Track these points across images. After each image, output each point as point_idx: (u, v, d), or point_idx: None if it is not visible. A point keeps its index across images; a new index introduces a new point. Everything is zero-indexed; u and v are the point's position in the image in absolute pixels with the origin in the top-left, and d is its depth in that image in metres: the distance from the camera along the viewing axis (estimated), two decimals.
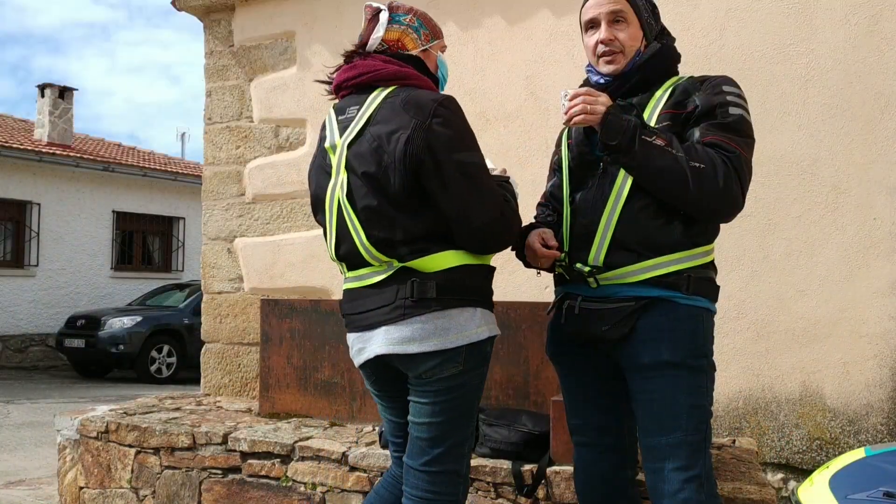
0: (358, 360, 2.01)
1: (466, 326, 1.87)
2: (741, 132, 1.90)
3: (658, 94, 1.99)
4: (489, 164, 2.06)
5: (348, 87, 2.01)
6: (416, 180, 1.85)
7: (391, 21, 2.00)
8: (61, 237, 14.15)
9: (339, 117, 2.00)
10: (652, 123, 1.94)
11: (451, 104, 1.91)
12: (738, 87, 1.97)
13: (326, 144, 2.01)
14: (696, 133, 1.91)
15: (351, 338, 2.02)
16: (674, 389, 1.88)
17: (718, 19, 3.60)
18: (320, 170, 2.03)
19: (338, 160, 1.95)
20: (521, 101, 4.00)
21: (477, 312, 1.90)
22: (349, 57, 2.04)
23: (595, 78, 2.08)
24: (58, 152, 14.11)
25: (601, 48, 2.02)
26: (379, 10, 2.02)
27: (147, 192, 15.54)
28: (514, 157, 3.95)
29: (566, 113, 1.94)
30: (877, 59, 3.34)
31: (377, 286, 1.92)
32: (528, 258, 2.11)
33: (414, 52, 2.02)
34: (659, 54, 2.03)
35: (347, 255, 1.97)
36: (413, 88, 1.94)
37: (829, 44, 3.41)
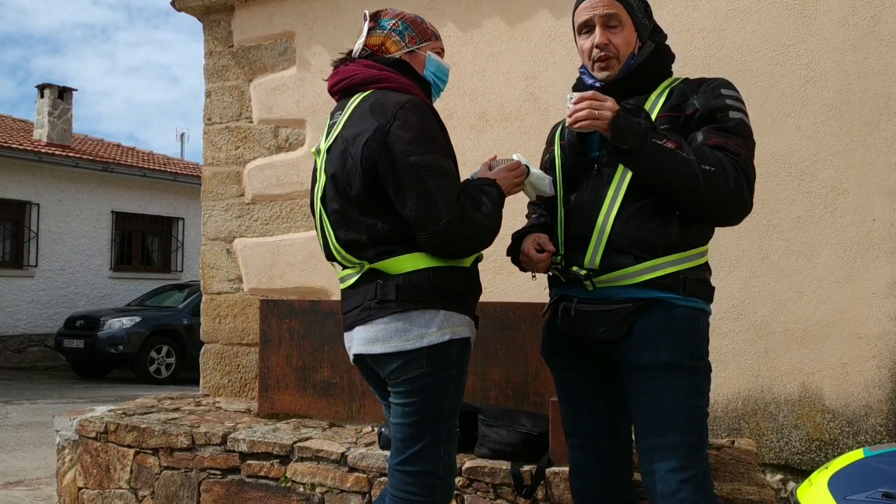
0: (351, 358, 2.09)
1: (426, 328, 1.89)
2: (743, 135, 1.92)
3: (654, 96, 1.99)
4: (516, 158, 2.09)
5: (336, 93, 2.09)
6: (376, 182, 1.89)
7: (376, 27, 2.07)
8: (60, 237, 14.15)
9: (330, 122, 2.08)
10: None
11: (414, 107, 1.91)
12: (735, 89, 1.98)
13: (313, 150, 2.10)
14: (699, 137, 1.91)
15: (344, 337, 2.10)
16: (672, 390, 1.88)
17: (718, 20, 3.61)
18: (313, 174, 2.12)
19: (321, 164, 2.04)
20: (520, 101, 4.00)
21: (439, 314, 1.90)
22: (337, 64, 2.11)
23: (590, 81, 2.07)
24: (57, 153, 14.10)
25: (596, 53, 2.00)
26: (365, 21, 2.10)
27: (146, 193, 15.53)
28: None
29: (570, 116, 1.92)
30: (876, 60, 3.34)
31: (354, 287, 1.99)
32: (523, 263, 2.11)
33: (397, 55, 2.05)
34: (653, 56, 2.03)
35: (330, 257, 2.08)
36: (387, 91, 1.96)
37: (829, 45, 3.41)
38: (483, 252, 2.04)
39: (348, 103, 2.01)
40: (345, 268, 2.04)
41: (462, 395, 2.02)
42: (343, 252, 1.99)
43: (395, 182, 1.86)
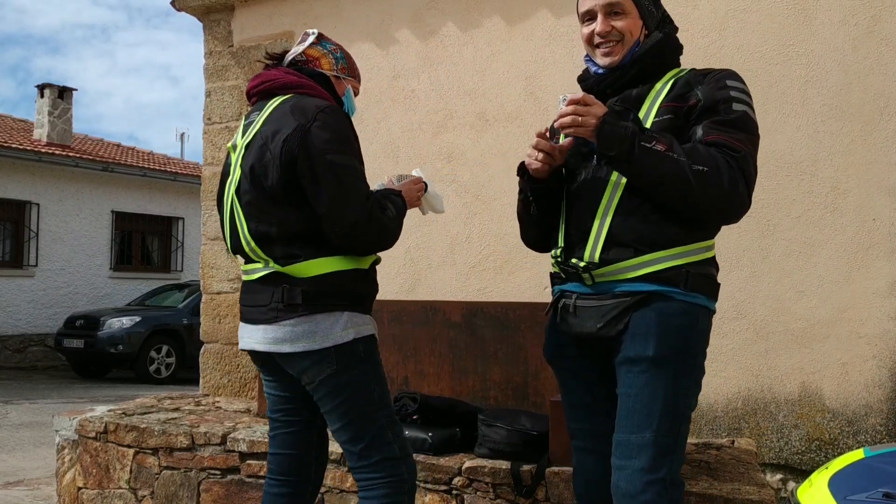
0: (241, 347, 2.20)
1: (331, 330, 2.02)
2: (745, 129, 1.84)
3: (658, 86, 1.94)
4: (416, 174, 2.29)
5: (255, 95, 2.22)
6: (293, 177, 2.01)
7: (318, 43, 2.24)
8: (60, 237, 14.15)
9: (246, 121, 2.20)
10: (652, 116, 1.89)
11: (333, 112, 2.06)
12: (742, 81, 1.92)
13: (229, 144, 2.22)
14: (699, 131, 1.85)
15: (240, 327, 2.20)
16: (653, 387, 1.82)
17: (718, 19, 3.60)
18: (224, 168, 2.24)
19: (236, 159, 2.16)
20: (520, 101, 4.00)
21: (343, 316, 2.03)
22: (265, 64, 2.26)
23: (594, 69, 2.04)
24: (57, 152, 14.10)
25: (598, 39, 1.98)
26: (310, 34, 2.27)
27: (146, 193, 15.53)
28: (513, 157, 3.95)
29: (556, 121, 1.90)
30: (876, 59, 3.34)
31: (259, 283, 2.10)
32: (527, 166, 2.03)
33: (327, 72, 2.22)
34: (659, 44, 1.97)
35: (237, 249, 2.16)
36: (307, 97, 2.11)
37: (829, 44, 3.41)
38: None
39: (267, 105, 2.14)
40: (250, 261, 2.13)
41: (385, 385, 2.14)
42: (252, 243, 2.08)
43: (311, 177, 1.99)
